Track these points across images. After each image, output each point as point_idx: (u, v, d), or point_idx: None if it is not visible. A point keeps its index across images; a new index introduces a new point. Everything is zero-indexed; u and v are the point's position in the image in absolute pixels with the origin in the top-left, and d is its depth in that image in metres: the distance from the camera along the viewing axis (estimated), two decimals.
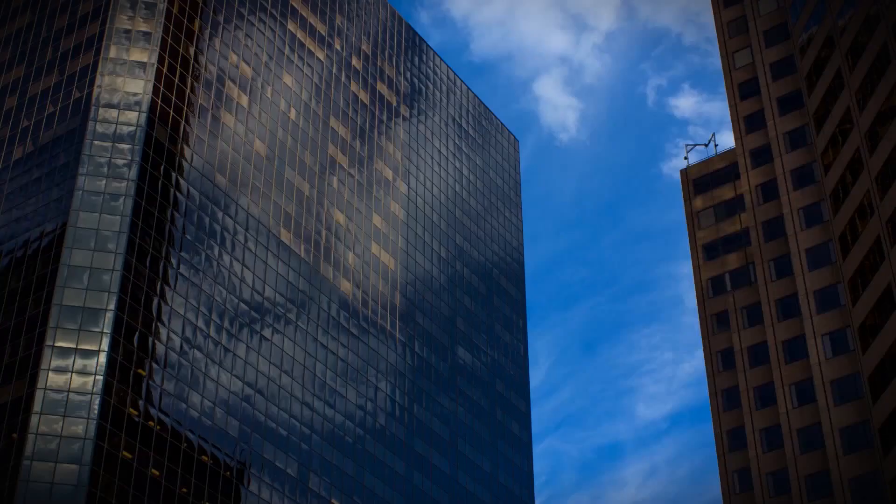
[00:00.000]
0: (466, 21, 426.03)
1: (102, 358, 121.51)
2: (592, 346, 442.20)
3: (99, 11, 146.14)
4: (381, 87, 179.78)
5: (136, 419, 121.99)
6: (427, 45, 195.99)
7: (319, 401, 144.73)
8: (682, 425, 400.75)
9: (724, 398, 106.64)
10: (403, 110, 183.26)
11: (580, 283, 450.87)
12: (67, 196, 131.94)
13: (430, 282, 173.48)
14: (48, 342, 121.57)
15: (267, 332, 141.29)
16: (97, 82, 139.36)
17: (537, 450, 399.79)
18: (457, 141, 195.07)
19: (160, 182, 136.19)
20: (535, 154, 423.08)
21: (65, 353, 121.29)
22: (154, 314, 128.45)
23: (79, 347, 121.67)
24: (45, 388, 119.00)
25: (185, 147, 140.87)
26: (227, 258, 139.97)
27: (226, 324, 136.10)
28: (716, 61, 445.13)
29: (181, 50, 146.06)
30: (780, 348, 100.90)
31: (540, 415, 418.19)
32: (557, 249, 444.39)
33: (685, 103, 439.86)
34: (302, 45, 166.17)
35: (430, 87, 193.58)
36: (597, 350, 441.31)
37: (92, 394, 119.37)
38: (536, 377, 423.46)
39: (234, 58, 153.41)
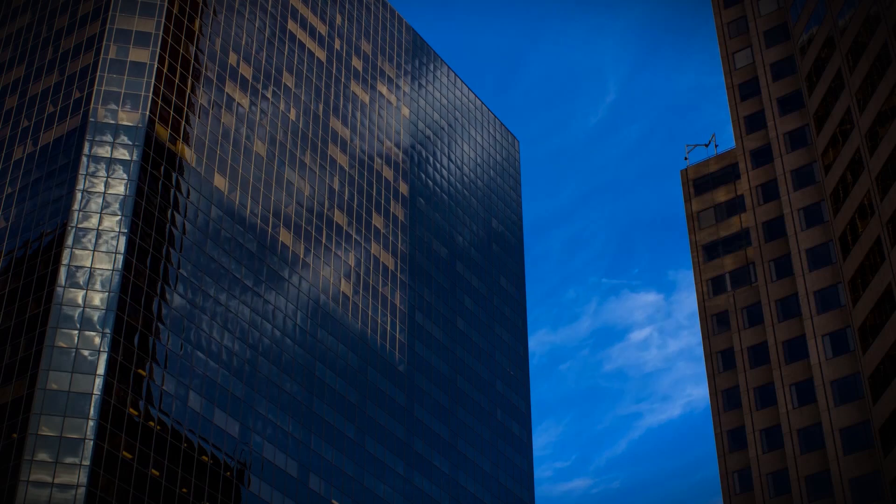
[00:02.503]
0: None
1: (102, 358, 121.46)
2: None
3: (99, 11, 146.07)
4: (381, 87, 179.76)
5: (136, 419, 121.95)
6: (434, 50, 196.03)
7: (319, 400, 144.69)
8: None
9: (725, 398, 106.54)
10: (404, 112, 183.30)
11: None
12: (67, 196, 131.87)
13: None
14: (48, 342, 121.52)
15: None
16: (97, 82, 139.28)
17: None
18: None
19: (160, 182, 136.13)
20: None
21: (65, 353, 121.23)
22: (154, 314, 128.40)
23: (78, 347, 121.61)
24: (46, 389, 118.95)
25: (185, 147, 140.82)
26: (226, 258, 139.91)
27: (227, 323, 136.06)
28: None
29: (181, 50, 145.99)
30: (781, 348, 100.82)
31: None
32: None
33: None
34: (302, 45, 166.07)
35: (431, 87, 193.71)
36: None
37: (92, 394, 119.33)
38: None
39: (235, 58, 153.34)
